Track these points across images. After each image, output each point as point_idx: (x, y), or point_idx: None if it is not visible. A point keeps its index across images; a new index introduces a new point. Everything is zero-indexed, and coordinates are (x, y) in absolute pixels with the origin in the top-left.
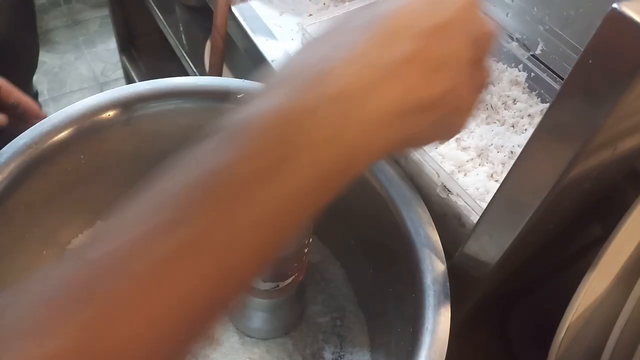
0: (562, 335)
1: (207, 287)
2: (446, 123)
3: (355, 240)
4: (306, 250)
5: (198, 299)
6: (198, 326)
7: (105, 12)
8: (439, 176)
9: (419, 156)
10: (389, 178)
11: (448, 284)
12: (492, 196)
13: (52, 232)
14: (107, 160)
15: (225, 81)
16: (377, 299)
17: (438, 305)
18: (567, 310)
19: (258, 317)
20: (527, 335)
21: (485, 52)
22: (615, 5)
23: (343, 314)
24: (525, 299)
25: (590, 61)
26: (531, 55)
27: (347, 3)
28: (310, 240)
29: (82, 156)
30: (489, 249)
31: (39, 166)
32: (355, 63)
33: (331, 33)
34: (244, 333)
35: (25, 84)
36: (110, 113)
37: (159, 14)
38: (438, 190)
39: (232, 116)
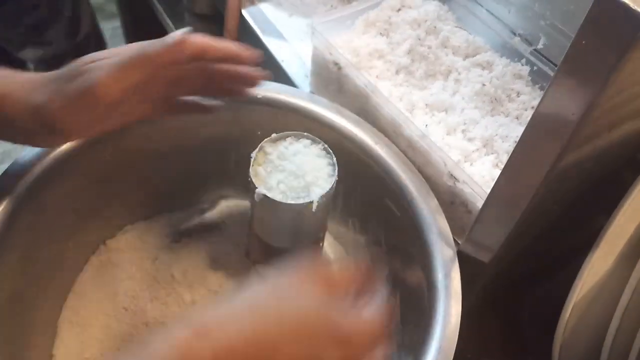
0: (567, 314)
1: None
2: None
3: (369, 239)
4: (321, 244)
5: None
6: None
7: (116, 23)
8: (445, 165)
9: (426, 146)
10: (397, 170)
11: (459, 277)
12: None
13: (78, 224)
14: (131, 158)
15: None
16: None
17: (449, 299)
18: (572, 289)
19: None
20: (538, 323)
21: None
22: None
23: None
24: (536, 288)
25: (583, 42)
26: (533, 49)
27: (353, 3)
28: (325, 233)
29: (108, 152)
30: (495, 232)
31: (70, 160)
32: None
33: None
34: None
35: None
36: None
37: (170, 23)
38: (445, 178)
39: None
